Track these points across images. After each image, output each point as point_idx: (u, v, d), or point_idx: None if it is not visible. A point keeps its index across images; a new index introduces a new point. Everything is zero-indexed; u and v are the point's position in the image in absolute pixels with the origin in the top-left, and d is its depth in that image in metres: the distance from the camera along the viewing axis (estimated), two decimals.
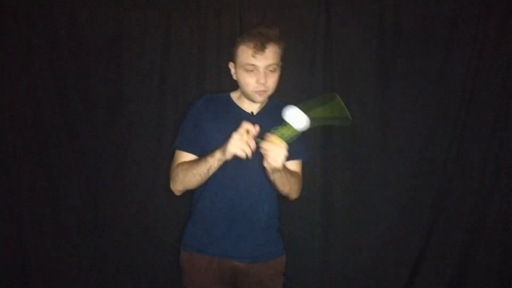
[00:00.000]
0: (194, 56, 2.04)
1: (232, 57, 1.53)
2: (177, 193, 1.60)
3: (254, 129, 1.34)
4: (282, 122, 1.35)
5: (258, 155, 1.48)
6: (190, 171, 1.49)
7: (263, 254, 1.59)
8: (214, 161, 1.42)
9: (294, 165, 1.63)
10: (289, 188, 1.55)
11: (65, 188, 2.11)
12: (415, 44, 2.06)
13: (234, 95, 1.63)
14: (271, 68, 1.48)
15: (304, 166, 1.70)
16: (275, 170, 1.38)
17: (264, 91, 1.51)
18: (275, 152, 1.31)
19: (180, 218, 2.14)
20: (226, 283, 1.60)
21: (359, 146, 2.14)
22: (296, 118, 1.32)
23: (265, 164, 1.35)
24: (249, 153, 1.33)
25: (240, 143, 1.32)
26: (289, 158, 1.59)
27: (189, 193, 1.66)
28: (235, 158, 1.46)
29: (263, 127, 1.55)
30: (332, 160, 2.15)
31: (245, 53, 1.47)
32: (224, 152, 1.36)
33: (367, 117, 2.12)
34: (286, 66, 2.04)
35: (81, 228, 2.15)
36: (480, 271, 2.21)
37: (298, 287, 2.21)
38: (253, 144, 1.32)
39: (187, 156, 1.58)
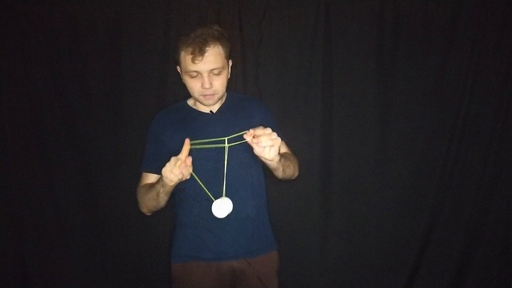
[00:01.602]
0: None
1: (177, 62, 1.51)
2: (148, 214, 1.61)
3: (186, 157, 1.31)
4: None
5: (238, 152, 1.47)
6: (145, 196, 1.51)
7: (258, 248, 1.59)
8: (159, 187, 1.41)
9: (282, 147, 1.64)
10: (293, 169, 1.56)
11: (65, 188, 2.11)
12: (415, 44, 2.06)
13: (191, 101, 1.62)
14: (215, 72, 1.44)
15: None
16: (275, 159, 1.33)
17: (212, 95, 1.47)
18: (272, 140, 1.27)
19: None
20: (225, 286, 1.59)
21: (359, 145, 2.14)
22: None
23: (266, 156, 1.29)
24: (185, 176, 1.31)
25: (171, 170, 1.29)
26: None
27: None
28: (214, 163, 1.48)
29: (226, 124, 1.55)
30: (332, 160, 2.15)
31: (186, 60, 1.43)
32: (164, 180, 1.34)
33: (367, 117, 2.12)
34: (285, 66, 2.05)
35: (81, 228, 2.15)
36: (480, 271, 2.21)
37: (297, 287, 2.21)
38: (186, 171, 1.30)
39: (152, 177, 1.59)
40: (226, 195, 1.42)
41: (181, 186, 1.48)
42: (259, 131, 1.27)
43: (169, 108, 1.63)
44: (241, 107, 1.61)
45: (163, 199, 1.46)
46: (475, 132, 2.11)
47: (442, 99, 2.10)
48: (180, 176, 1.30)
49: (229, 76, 1.53)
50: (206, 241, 1.53)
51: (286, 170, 1.50)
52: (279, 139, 1.28)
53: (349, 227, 2.20)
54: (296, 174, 1.65)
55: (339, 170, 2.15)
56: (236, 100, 1.63)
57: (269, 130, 1.28)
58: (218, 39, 1.44)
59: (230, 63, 1.54)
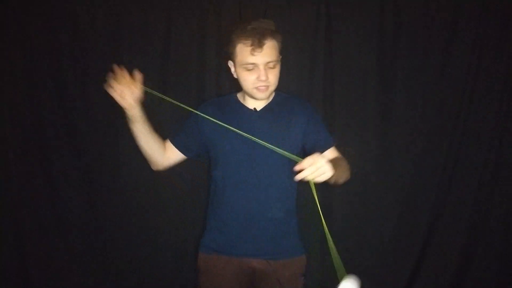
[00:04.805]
0: (194, 56, 2.05)
1: (230, 56, 1.51)
2: (154, 168, 1.65)
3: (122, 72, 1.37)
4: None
5: (271, 152, 1.47)
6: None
7: (281, 252, 1.58)
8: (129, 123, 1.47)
9: (332, 153, 1.62)
10: (344, 176, 1.52)
11: (65, 188, 2.11)
12: (415, 44, 2.06)
13: (239, 95, 1.63)
14: (270, 65, 1.45)
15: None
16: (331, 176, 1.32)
17: (266, 87, 1.48)
18: (319, 169, 1.26)
19: (179, 218, 2.15)
20: (244, 285, 1.59)
21: (359, 146, 2.14)
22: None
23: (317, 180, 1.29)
24: (124, 101, 1.39)
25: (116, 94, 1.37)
26: (323, 149, 1.59)
27: (197, 196, 1.73)
28: (248, 159, 1.48)
29: (268, 122, 1.55)
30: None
31: (244, 52, 1.44)
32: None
33: (368, 116, 2.12)
34: (286, 66, 2.04)
35: (81, 228, 2.15)
36: (480, 271, 2.21)
37: None
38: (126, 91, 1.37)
39: (172, 148, 1.62)
40: (255, 194, 1.45)
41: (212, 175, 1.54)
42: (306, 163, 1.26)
43: (220, 97, 1.67)
44: (285, 107, 1.60)
45: (137, 137, 1.52)
46: (476, 131, 2.11)
47: (443, 99, 2.10)
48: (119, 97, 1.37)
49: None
50: (230, 237, 1.55)
51: (338, 179, 1.47)
52: (326, 167, 1.26)
53: (349, 227, 2.20)
54: (348, 177, 1.59)
55: None
56: (281, 100, 1.62)
57: (313, 160, 1.25)
58: (274, 32, 1.46)
59: (280, 58, 1.55)
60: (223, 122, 1.53)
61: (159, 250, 2.17)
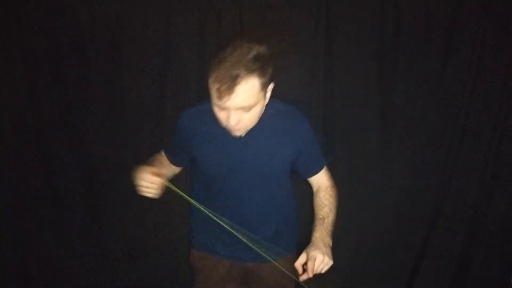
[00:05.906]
0: (194, 56, 2.04)
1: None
2: None
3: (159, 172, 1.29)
4: None
5: (264, 168, 1.42)
6: None
7: (272, 254, 1.55)
8: None
9: (322, 175, 1.58)
10: (336, 212, 1.55)
11: (65, 188, 2.11)
12: (415, 45, 2.05)
13: None
14: (245, 109, 1.21)
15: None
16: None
17: (239, 129, 1.28)
18: (323, 265, 1.30)
19: (179, 218, 2.14)
20: (238, 282, 1.59)
21: (359, 146, 2.14)
22: None
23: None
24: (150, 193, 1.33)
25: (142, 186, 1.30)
26: (315, 171, 1.55)
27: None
28: (228, 172, 1.41)
29: (255, 139, 1.39)
30: (332, 160, 2.15)
31: (212, 91, 1.19)
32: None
33: (367, 117, 2.12)
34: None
35: (81, 228, 2.15)
36: (480, 271, 2.21)
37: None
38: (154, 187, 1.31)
39: (166, 160, 1.58)
40: (247, 212, 1.42)
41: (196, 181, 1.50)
42: (311, 266, 1.28)
43: (199, 107, 1.43)
44: (277, 122, 1.39)
45: None
46: (476, 132, 2.11)
47: (443, 99, 2.10)
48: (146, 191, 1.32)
49: (267, 101, 1.30)
50: (221, 240, 1.52)
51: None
52: (327, 259, 1.30)
53: (349, 227, 2.20)
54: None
55: (340, 170, 2.15)
56: (275, 113, 1.38)
57: (318, 262, 1.28)
58: (254, 70, 1.17)
59: (271, 86, 1.29)
60: (206, 133, 1.40)
61: (158, 250, 2.17)
